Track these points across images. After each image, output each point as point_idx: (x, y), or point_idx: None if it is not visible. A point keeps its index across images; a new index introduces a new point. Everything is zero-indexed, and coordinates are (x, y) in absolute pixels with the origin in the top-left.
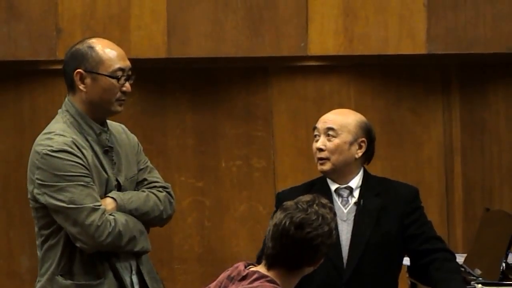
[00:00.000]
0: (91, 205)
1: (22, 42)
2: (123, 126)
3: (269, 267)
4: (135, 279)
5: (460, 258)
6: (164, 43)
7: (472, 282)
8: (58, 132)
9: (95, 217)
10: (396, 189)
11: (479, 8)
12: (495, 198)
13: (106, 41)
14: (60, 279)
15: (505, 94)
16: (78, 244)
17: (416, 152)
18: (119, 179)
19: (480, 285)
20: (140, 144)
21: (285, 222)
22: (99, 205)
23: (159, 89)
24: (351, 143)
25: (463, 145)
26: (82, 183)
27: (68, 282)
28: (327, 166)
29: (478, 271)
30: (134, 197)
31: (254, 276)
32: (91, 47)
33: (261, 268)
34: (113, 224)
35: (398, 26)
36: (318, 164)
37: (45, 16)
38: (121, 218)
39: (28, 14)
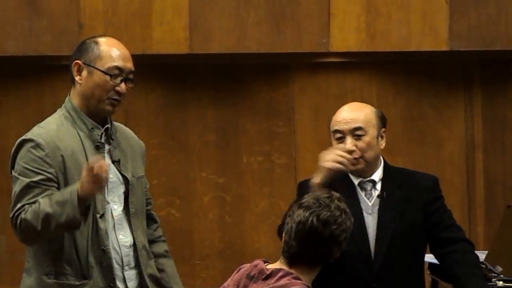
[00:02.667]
0: (18, 205)
1: (44, 37)
2: (132, 133)
3: (291, 264)
4: (130, 274)
5: (481, 255)
6: (186, 39)
7: (494, 279)
8: (42, 125)
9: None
10: (416, 179)
11: (501, 5)
12: None
13: (115, 41)
14: (44, 278)
15: None
16: None
17: (438, 149)
18: (126, 174)
19: (501, 282)
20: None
21: (311, 220)
22: (25, 204)
23: (181, 85)
24: (377, 137)
25: (485, 142)
26: (29, 180)
27: (51, 281)
28: (361, 165)
29: (499, 268)
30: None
31: (280, 274)
32: (96, 42)
33: (282, 266)
34: (21, 217)
35: (420, 23)
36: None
37: (67, 12)
38: (31, 206)
39: (50, 9)
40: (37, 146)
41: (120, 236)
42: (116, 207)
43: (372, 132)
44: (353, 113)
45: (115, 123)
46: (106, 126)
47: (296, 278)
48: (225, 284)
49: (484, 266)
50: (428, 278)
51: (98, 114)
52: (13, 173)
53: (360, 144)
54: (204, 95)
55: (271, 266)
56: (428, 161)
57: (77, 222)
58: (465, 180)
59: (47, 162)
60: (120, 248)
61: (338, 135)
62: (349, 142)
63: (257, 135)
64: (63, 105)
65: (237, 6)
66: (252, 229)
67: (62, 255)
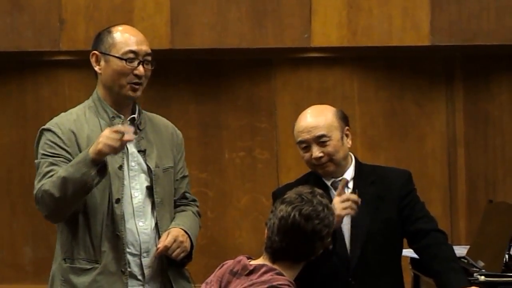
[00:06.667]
0: (40, 184)
1: (26, 33)
2: (174, 126)
3: (274, 260)
4: (148, 261)
5: (463, 250)
6: (167, 34)
7: (475, 274)
8: (63, 114)
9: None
10: (389, 175)
11: (483, 0)
12: (499, 190)
13: (127, 27)
14: (62, 263)
15: (508, 86)
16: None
17: (420, 144)
18: (149, 164)
19: (483, 277)
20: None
21: (294, 215)
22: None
23: (163, 81)
24: (342, 138)
25: (467, 137)
26: (49, 161)
27: (66, 265)
28: (331, 167)
29: (481, 263)
30: None
31: (263, 270)
32: (110, 31)
33: (265, 262)
34: (42, 190)
35: (402, 18)
36: (319, 170)
37: (48, 7)
38: (46, 182)
39: (32, 5)
40: (54, 134)
41: (140, 224)
42: (137, 195)
43: (335, 135)
44: (314, 120)
45: (149, 113)
46: (133, 116)
47: (279, 274)
48: (208, 280)
49: (465, 261)
50: (410, 273)
51: (122, 102)
52: (35, 161)
53: (327, 149)
54: (186, 90)
55: (254, 262)
56: (410, 156)
57: (92, 178)
58: (447, 175)
59: (64, 148)
60: (139, 235)
61: (303, 145)
62: (315, 150)
63: (239, 131)
64: (90, 96)
65: (219, 1)
66: (234, 224)
67: (78, 240)
